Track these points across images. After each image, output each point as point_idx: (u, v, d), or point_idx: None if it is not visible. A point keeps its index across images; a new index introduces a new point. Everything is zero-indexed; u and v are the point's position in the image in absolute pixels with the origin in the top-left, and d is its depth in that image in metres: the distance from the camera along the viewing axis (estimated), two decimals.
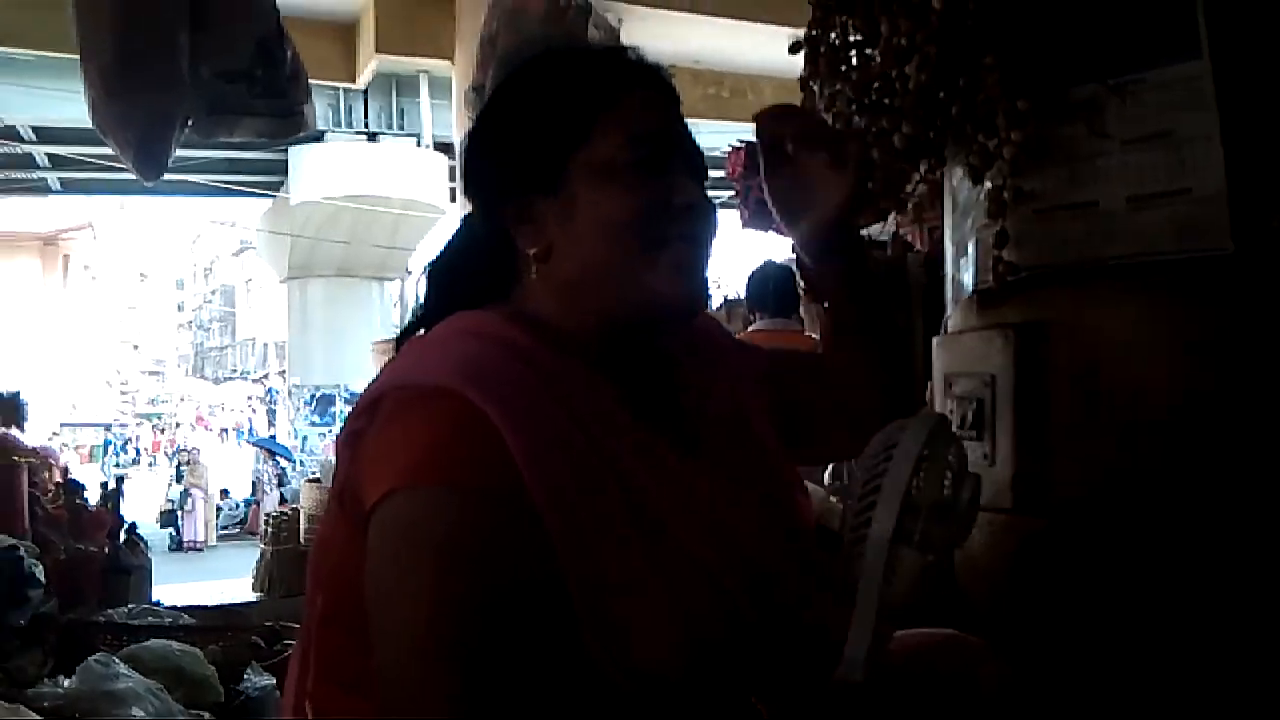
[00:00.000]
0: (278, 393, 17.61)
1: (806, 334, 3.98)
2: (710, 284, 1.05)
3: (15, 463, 1.93)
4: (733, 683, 0.89)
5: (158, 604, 2.36)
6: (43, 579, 1.58)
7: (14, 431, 1.99)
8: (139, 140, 2.46)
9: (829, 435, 1.18)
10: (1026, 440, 1.47)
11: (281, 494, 13.06)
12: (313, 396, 15.77)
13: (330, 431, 14.05)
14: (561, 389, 0.94)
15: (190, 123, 2.64)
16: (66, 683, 1.49)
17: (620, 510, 0.91)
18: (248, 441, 16.12)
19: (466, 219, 1.09)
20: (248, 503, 14.87)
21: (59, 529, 2.13)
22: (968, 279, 1.58)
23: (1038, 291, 1.46)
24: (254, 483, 15.05)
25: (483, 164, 1.05)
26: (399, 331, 1.09)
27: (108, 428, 24.08)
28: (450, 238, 1.12)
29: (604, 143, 0.98)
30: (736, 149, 3.02)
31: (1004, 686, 1.14)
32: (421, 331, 1.06)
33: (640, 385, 1.02)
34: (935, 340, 1.68)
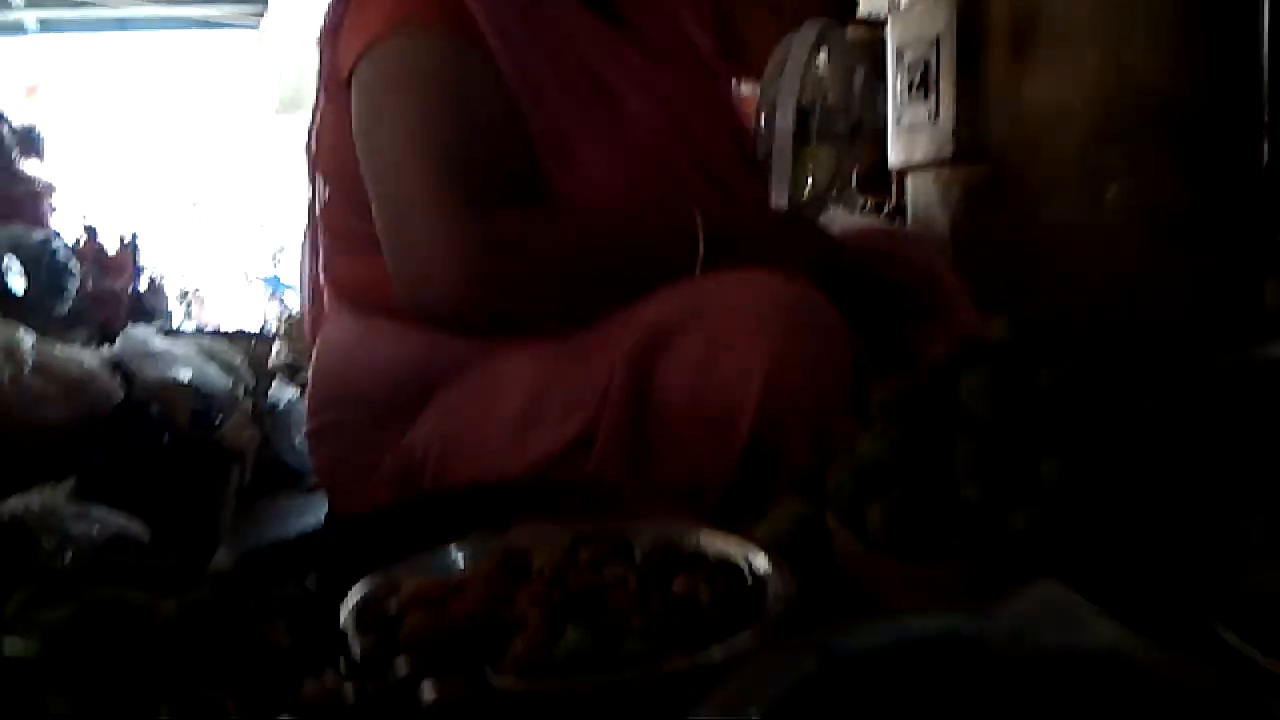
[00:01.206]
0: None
1: None
2: None
3: (38, 192, 2.06)
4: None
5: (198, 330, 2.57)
6: (76, 272, 1.73)
7: (32, 162, 2.11)
8: None
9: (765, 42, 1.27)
10: (966, 93, 1.60)
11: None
12: None
13: None
14: None
15: None
16: (111, 349, 1.67)
17: (574, 74, 1.04)
18: (256, 278, 16.22)
19: None
20: None
21: (83, 264, 2.28)
22: None
23: None
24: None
25: None
26: None
27: None
28: None
29: None
30: None
31: (933, 271, 1.28)
32: None
33: None
34: (889, 17, 1.79)
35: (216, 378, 1.70)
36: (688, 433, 0.88)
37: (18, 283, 1.55)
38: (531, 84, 1.00)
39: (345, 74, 1.02)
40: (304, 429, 1.22)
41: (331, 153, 1.10)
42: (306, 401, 1.18)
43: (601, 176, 1.02)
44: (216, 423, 1.69)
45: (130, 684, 0.55)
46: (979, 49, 1.58)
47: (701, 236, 0.96)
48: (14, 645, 0.56)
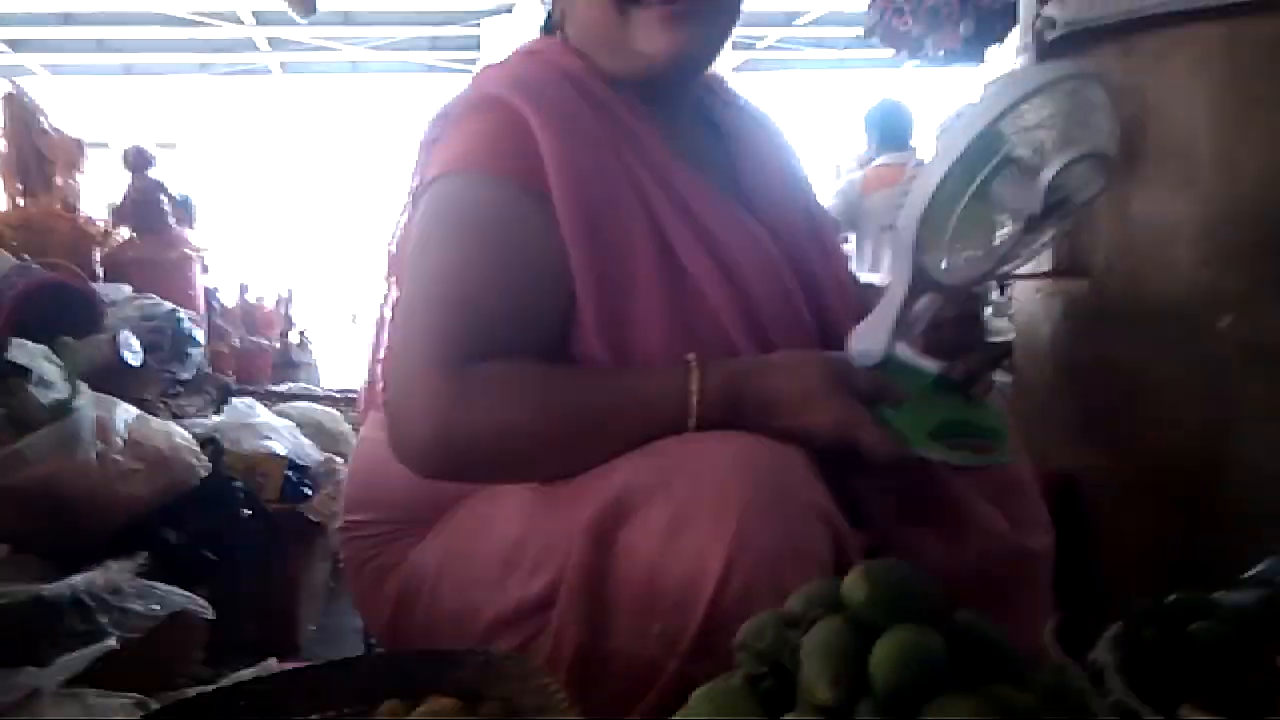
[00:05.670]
0: None
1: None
2: (710, 39, 1.07)
3: (188, 255, 2.23)
4: None
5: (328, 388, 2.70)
6: (200, 340, 1.87)
7: (186, 231, 2.30)
8: None
9: None
10: None
11: None
12: None
13: None
14: (606, 113, 1.03)
15: None
16: (215, 418, 1.78)
17: (639, 225, 1.01)
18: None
19: None
20: None
21: (234, 322, 2.46)
22: (1021, 41, 1.59)
23: (1087, 49, 1.46)
24: None
25: None
26: None
27: None
28: None
29: None
30: None
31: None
32: None
33: (686, 137, 1.10)
34: None
35: (311, 450, 1.78)
36: (645, 608, 0.85)
37: (132, 357, 1.67)
38: (589, 239, 0.98)
39: (422, 191, 1.04)
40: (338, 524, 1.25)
41: (404, 261, 1.11)
42: (342, 497, 1.21)
43: (646, 340, 0.99)
44: (308, 494, 1.76)
45: None
46: None
47: (696, 400, 0.91)
48: None
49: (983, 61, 3.03)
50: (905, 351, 1.01)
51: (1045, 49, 1.51)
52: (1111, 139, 0.89)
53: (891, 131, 3.84)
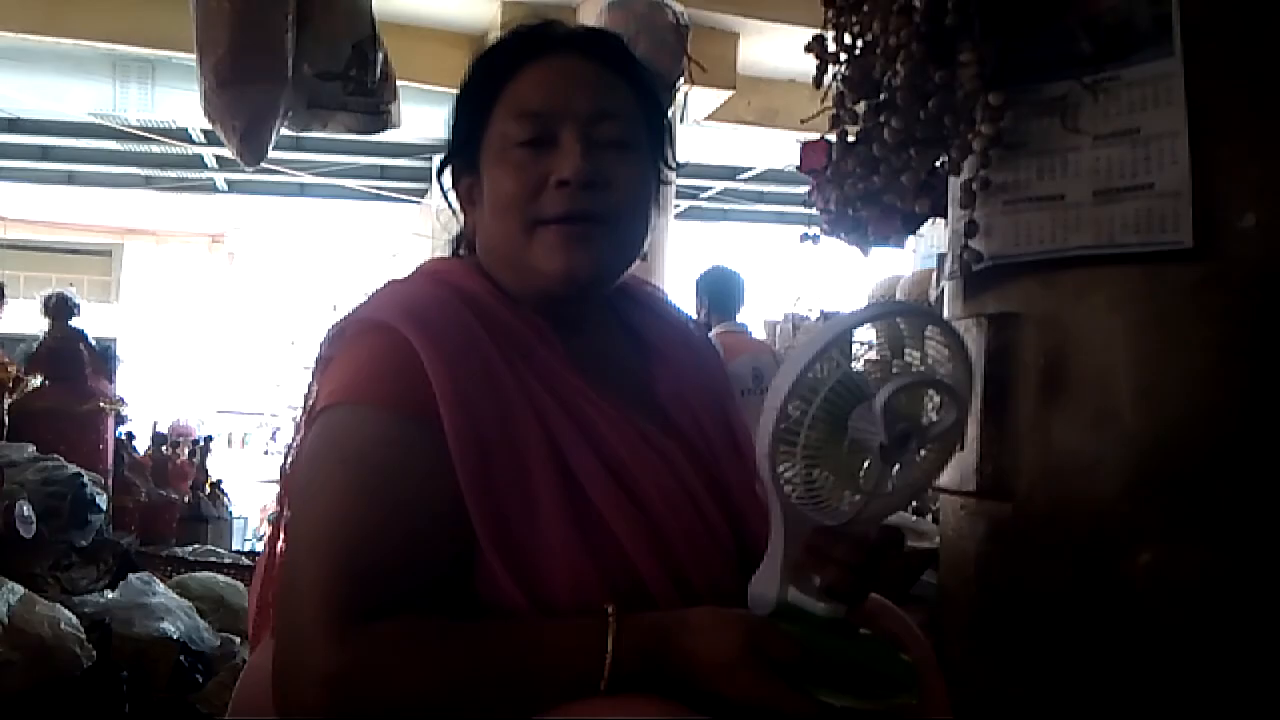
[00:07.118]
0: None
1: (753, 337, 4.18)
2: (608, 260, 1.06)
3: (101, 409, 2.16)
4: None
5: (236, 551, 2.58)
6: (103, 506, 1.78)
7: (103, 382, 2.23)
8: (244, 128, 2.70)
9: None
10: (994, 427, 1.50)
11: None
12: None
13: None
14: (505, 336, 1.01)
15: (289, 115, 2.88)
16: (110, 594, 1.69)
17: (538, 452, 0.97)
18: None
19: None
20: None
21: (142, 475, 2.36)
22: (949, 268, 1.63)
23: (1012, 281, 1.50)
24: None
25: (447, 149, 1.13)
26: None
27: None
28: None
29: (499, 124, 1.04)
30: (808, 143, 2.93)
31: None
32: None
33: (596, 352, 1.08)
34: None
35: (207, 634, 1.69)
36: None
37: (25, 529, 1.58)
38: (484, 470, 0.94)
39: (311, 420, 1.00)
40: None
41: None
42: None
43: (553, 571, 0.94)
44: (200, 681, 1.66)
45: None
46: (1009, 383, 1.49)
47: (609, 660, 0.87)
48: None
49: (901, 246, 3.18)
50: (797, 595, 0.98)
51: (972, 279, 1.55)
52: (955, 374, 0.90)
53: (719, 300, 3.95)
